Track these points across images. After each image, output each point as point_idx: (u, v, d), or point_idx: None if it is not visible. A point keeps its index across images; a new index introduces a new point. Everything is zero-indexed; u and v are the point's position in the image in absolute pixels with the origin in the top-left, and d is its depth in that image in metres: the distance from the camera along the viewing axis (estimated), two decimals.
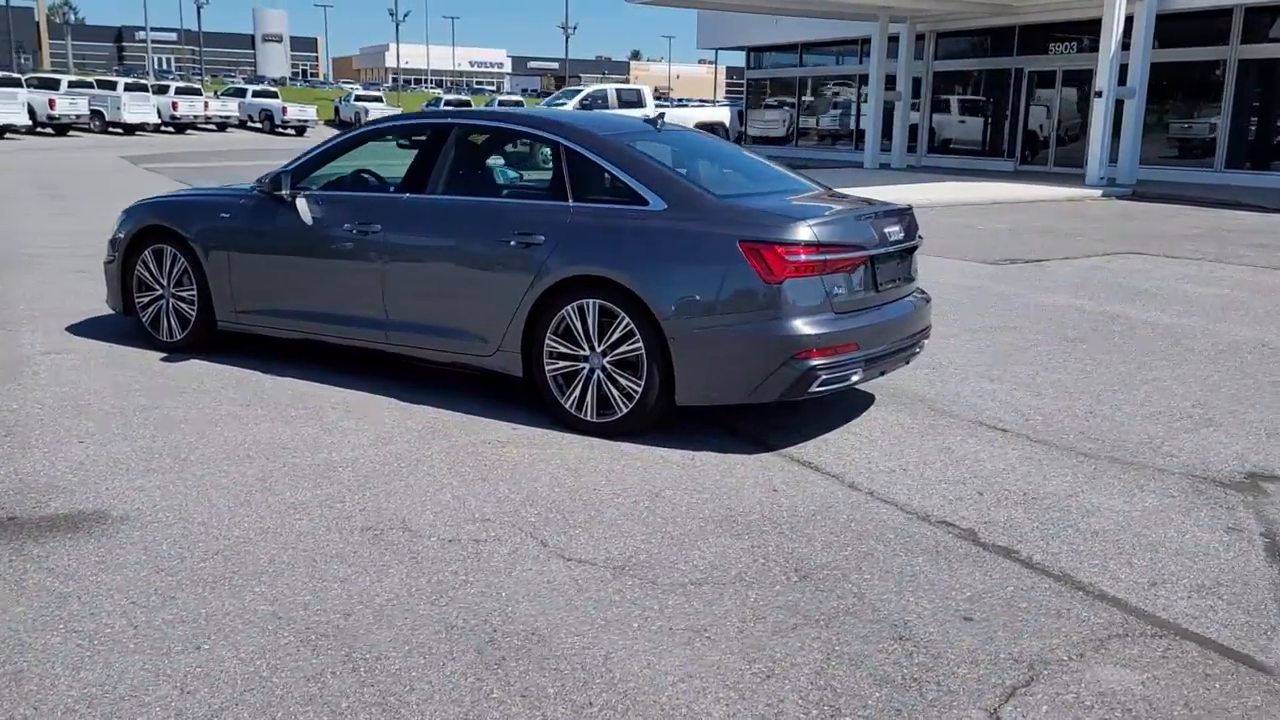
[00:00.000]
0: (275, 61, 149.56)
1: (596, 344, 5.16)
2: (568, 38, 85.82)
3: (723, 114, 30.68)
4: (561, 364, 5.28)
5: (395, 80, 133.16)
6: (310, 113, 48.21)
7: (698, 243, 5.01)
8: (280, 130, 46.74)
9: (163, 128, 42.71)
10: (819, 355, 4.90)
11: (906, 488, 4.63)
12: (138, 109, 40.85)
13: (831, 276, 4.99)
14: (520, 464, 4.81)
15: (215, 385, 5.97)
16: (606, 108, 28.08)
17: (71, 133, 38.08)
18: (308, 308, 6.11)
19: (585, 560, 3.80)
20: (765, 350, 4.89)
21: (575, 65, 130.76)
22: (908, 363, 5.74)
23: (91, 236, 11.38)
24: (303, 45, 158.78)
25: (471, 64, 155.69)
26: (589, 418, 5.23)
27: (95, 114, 39.25)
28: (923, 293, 5.86)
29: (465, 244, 5.58)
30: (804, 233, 4.92)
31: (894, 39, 26.45)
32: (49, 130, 37.16)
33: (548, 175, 5.61)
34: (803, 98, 34.19)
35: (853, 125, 31.27)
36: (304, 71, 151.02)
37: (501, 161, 5.85)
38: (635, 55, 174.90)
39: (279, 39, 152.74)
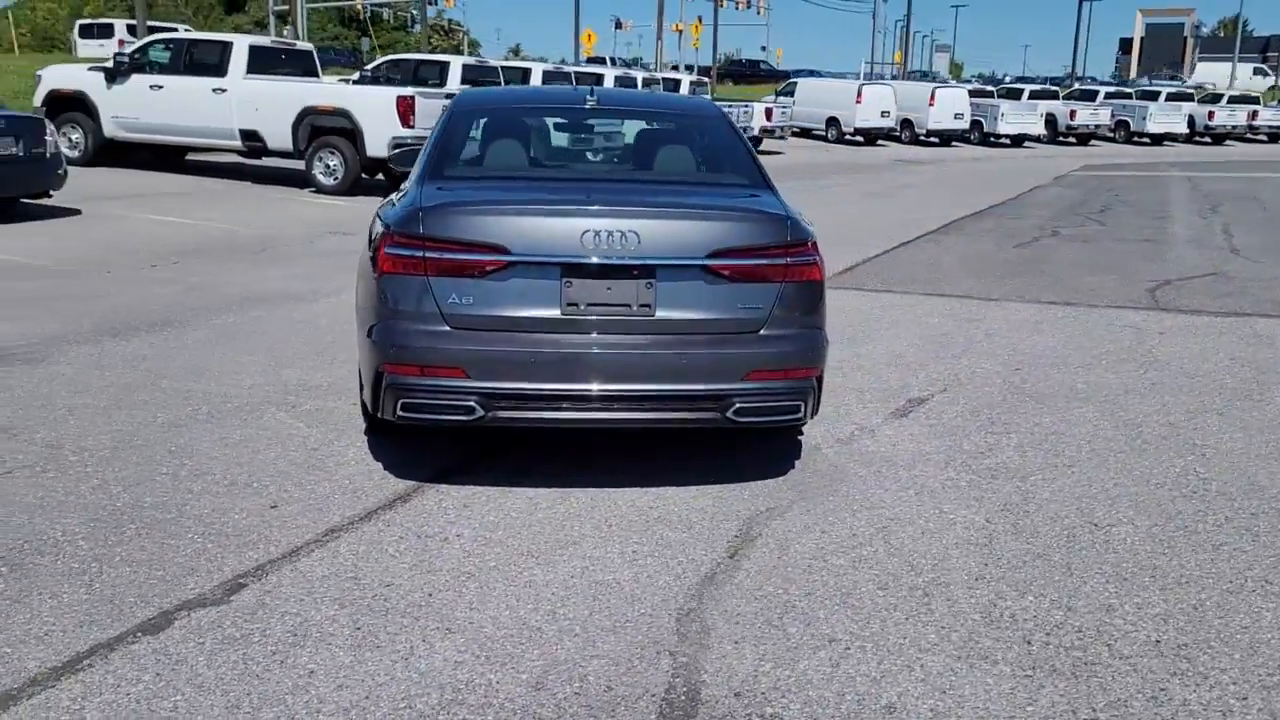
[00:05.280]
0: None
1: None
2: None
3: None
4: None
5: None
6: None
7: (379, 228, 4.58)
8: None
9: (1195, 138, 39.01)
10: (403, 372, 4.18)
11: (410, 550, 3.93)
12: (1164, 118, 38.26)
13: (450, 280, 4.13)
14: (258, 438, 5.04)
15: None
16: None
17: (1093, 142, 37.08)
18: None
19: None
20: (365, 356, 4.40)
21: None
22: (680, 427, 4.59)
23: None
24: None
25: None
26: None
27: (1120, 124, 38.31)
28: (773, 337, 4.32)
29: None
30: (407, 221, 4.22)
31: None
32: (1070, 140, 36.57)
33: None
34: None
35: None
36: None
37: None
38: None
39: None
